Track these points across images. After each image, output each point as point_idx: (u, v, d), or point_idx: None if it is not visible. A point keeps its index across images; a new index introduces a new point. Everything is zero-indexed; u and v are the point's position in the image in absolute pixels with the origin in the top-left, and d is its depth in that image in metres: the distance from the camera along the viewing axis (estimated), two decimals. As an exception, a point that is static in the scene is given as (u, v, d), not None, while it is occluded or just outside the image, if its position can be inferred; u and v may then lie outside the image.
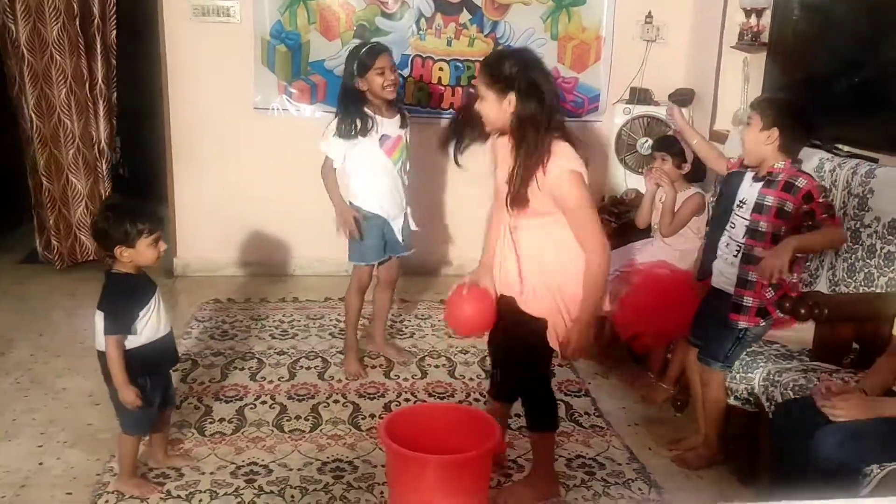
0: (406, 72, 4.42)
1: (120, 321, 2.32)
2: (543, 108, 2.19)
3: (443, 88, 4.50)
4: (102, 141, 4.50)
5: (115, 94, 4.56)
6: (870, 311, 2.43)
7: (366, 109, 3.15)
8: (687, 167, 3.39)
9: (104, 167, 4.53)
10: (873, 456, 1.93)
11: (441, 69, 4.47)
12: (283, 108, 4.45)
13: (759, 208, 2.48)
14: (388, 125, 3.21)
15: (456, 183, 4.50)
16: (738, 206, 2.57)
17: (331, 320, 3.98)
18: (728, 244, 2.59)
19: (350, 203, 3.26)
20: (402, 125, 3.27)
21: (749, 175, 2.56)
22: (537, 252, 2.30)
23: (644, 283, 3.21)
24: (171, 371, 2.62)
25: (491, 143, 2.41)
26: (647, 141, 4.37)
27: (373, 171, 3.22)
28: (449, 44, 4.41)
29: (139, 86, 4.86)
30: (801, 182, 2.43)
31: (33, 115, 4.34)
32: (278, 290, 4.40)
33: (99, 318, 2.34)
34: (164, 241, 2.40)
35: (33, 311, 4.01)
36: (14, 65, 4.30)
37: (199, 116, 4.43)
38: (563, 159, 2.20)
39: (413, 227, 3.43)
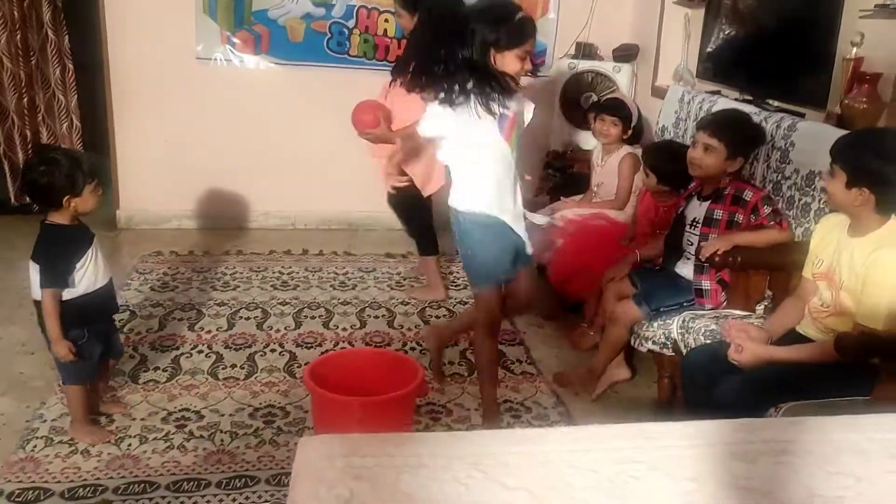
0: (351, 23, 4.38)
1: (57, 274, 2.30)
2: None
3: (389, 41, 4.46)
4: (53, 87, 4.43)
5: (66, 40, 4.46)
6: (782, 261, 2.52)
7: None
8: (629, 133, 3.45)
9: (56, 113, 4.47)
10: (770, 400, 2.02)
11: (387, 21, 4.43)
12: (227, 59, 4.39)
13: (708, 222, 2.66)
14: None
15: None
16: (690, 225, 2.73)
17: (273, 273, 3.99)
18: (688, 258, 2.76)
19: (455, 209, 2.47)
20: (514, 93, 2.43)
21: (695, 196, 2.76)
22: None
23: (579, 232, 3.29)
24: (113, 321, 2.61)
25: None
26: (591, 96, 4.40)
27: (491, 160, 2.42)
28: (393, -6, 4.37)
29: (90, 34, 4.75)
30: (748, 195, 2.59)
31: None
32: (222, 242, 4.40)
33: (34, 270, 2.32)
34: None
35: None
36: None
37: (140, 66, 4.35)
38: None
39: (541, 220, 2.84)
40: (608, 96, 3.97)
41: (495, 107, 2.31)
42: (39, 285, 2.31)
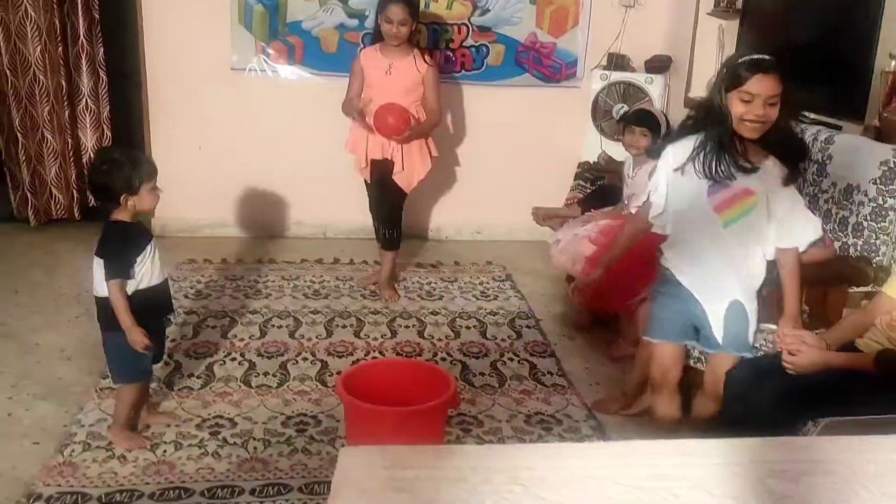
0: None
1: (119, 266, 2.37)
2: None
3: (418, 33, 4.49)
4: (86, 97, 4.52)
5: (101, 51, 4.54)
6: (822, 276, 2.49)
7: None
8: (659, 142, 3.44)
9: (88, 123, 4.56)
10: (807, 412, 1.99)
11: (419, 32, 4.46)
12: (261, 69, 4.45)
13: None
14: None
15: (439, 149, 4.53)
16: None
17: (305, 281, 4.03)
18: None
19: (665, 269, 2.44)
20: (752, 170, 2.22)
21: None
22: None
23: (610, 244, 3.26)
24: (163, 324, 2.60)
25: None
26: (622, 107, 4.39)
27: (685, 217, 2.34)
28: (427, 6, 4.40)
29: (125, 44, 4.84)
30: None
31: (7, 72, 4.35)
32: (255, 251, 4.44)
33: (98, 266, 2.39)
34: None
35: (10, 269, 4.05)
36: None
37: (176, 76, 4.43)
38: None
39: (752, 323, 2.37)
40: (637, 108, 3.96)
41: (715, 170, 2.19)
42: (104, 279, 2.36)
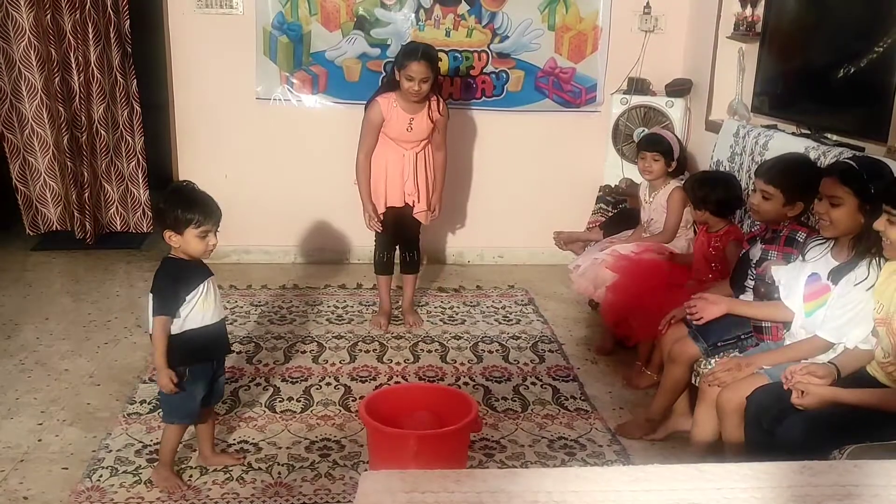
0: (405, 62, 4.49)
1: (165, 302, 2.33)
2: None
3: (442, 79, 4.55)
4: (121, 127, 4.75)
5: (134, 83, 4.72)
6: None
7: None
8: (673, 165, 3.44)
9: (124, 152, 4.78)
10: (834, 441, 1.97)
11: (440, 59, 4.52)
12: (285, 99, 4.53)
13: (761, 264, 2.66)
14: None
15: (461, 174, 4.58)
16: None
17: (329, 306, 4.06)
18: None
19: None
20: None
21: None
22: None
23: (631, 271, 3.26)
24: (221, 364, 2.55)
25: None
26: (643, 131, 4.40)
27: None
28: (447, 34, 4.47)
29: (154, 76, 4.98)
30: (801, 236, 2.57)
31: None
32: (280, 277, 4.49)
33: (149, 301, 2.37)
34: (215, 236, 2.37)
35: (41, 297, 4.13)
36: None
37: (203, 106, 4.53)
38: None
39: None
40: (649, 132, 3.97)
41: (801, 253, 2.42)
42: (152, 313, 2.34)
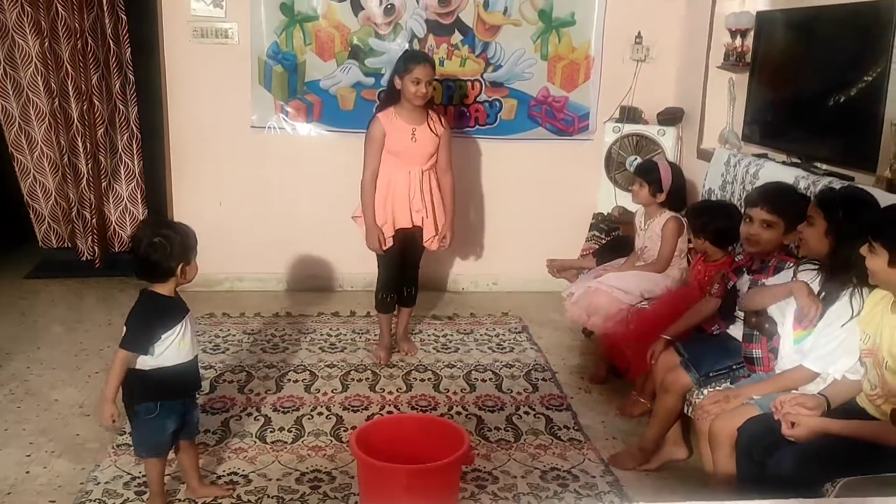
0: (399, 91, 4.52)
1: (137, 339, 2.30)
2: None
3: (437, 107, 4.57)
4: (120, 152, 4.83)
5: (135, 111, 4.79)
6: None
7: None
8: (662, 196, 3.45)
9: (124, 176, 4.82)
10: (827, 473, 1.96)
11: (434, 89, 4.54)
12: (280, 127, 4.56)
13: None
14: None
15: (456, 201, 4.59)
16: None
17: (321, 335, 4.05)
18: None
19: None
20: None
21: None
22: None
23: (644, 316, 3.22)
24: (194, 398, 2.54)
25: None
26: (636, 159, 4.42)
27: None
28: (441, 64, 4.50)
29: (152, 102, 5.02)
30: (790, 266, 2.57)
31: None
32: (273, 305, 4.48)
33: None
34: None
35: (34, 325, 4.12)
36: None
37: (198, 134, 4.54)
38: None
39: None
40: (644, 160, 3.99)
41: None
42: (119, 343, 2.31)
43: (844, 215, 2.24)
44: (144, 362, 2.33)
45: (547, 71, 4.58)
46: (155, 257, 2.30)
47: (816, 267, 2.40)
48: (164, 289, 2.37)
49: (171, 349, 2.35)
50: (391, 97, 3.57)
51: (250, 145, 4.56)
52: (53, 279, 4.79)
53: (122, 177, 4.87)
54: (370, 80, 4.52)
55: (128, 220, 4.95)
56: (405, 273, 3.76)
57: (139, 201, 4.91)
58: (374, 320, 4.27)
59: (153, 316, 2.34)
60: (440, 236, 3.64)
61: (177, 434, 2.45)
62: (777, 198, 2.67)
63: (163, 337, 2.33)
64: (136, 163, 4.85)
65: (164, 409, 2.37)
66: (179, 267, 2.34)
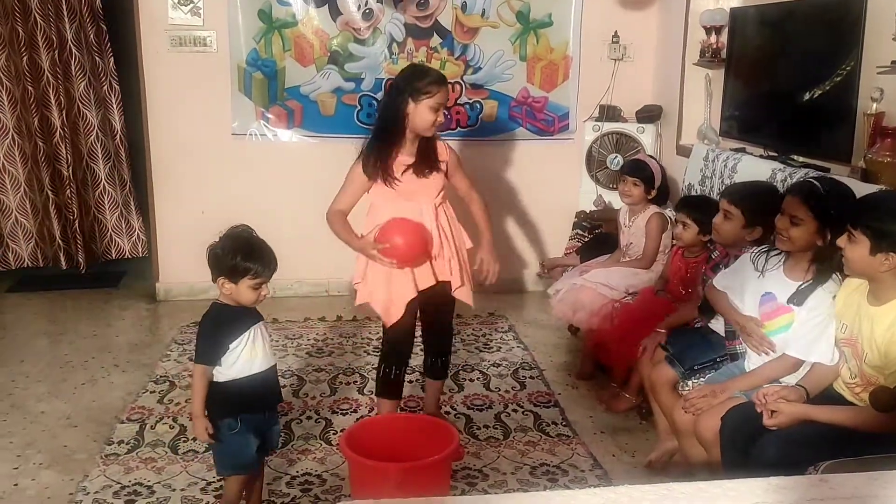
0: (380, 95, 4.53)
1: (207, 351, 2.24)
2: None
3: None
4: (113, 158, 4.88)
5: (122, 119, 4.84)
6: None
7: None
8: (653, 193, 3.49)
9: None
10: (810, 457, 1.99)
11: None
12: (261, 133, 4.56)
13: None
14: None
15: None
16: None
17: (308, 340, 4.05)
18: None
19: None
20: None
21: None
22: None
23: (622, 314, 3.26)
24: (275, 412, 2.45)
25: None
26: (616, 157, 4.47)
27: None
28: (421, 67, 4.52)
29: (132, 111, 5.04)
30: None
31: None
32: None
33: None
34: (266, 286, 2.30)
35: (16, 339, 4.09)
36: None
37: (179, 142, 4.54)
38: None
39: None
40: (632, 158, 4.03)
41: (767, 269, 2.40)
42: (194, 359, 2.27)
43: (836, 212, 2.22)
44: (220, 374, 2.26)
45: (526, 72, 4.62)
46: (214, 252, 2.28)
47: (779, 254, 2.42)
48: (227, 299, 2.30)
49: (242, 359, 2.26)
50: (396, 129, 2.72)
51: (231, 153, 4.56)
52: (35, 293, 4.76)
53: (117, 182, 4.90)
54: (350, 85, 4.54)
55: (123, 226, 4.96)
56: (433, 339, 3.00)
57: (134, 208, 4.96)
58: (361, 324, 4.29)
59: (218, 325, 2.27)
60: (485, 269, 2.86)
61: (262, 450, 2.37)
62: (738, 191, 2.74)
63: (231, 347, 2.25)
64: (124, 170, 4.91)
65: (244, 424, 2.28)
66: (219, 280, 2.26)
